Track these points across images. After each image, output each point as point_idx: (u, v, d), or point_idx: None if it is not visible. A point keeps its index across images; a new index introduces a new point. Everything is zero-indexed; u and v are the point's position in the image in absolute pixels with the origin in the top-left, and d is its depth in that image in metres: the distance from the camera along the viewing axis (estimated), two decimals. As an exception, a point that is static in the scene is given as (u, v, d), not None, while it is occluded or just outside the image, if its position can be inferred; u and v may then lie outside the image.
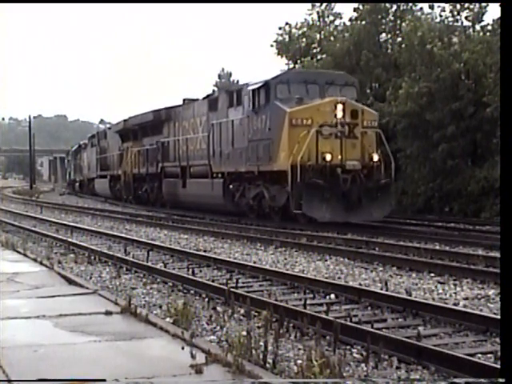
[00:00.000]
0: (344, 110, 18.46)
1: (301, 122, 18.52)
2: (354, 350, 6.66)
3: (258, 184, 20.49)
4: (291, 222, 18.93)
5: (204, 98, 25.56)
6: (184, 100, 27.68)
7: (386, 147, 19.28)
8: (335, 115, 18.40)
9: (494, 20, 24.76)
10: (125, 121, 34.06)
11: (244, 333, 6.11)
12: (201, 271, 11.69)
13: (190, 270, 11.55)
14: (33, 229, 19.82)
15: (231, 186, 22.02)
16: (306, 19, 34.33)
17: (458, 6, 25.92)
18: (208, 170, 23.44)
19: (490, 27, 25.05)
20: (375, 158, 18.83)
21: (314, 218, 18.05)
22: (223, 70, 54.70)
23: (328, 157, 18.09)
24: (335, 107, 18.42)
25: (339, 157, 18.36)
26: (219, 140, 22.43)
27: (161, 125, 28.65)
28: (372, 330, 7.01)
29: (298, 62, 32.46)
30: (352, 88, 20.45)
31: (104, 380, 3.73)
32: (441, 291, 9.73)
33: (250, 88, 20.41)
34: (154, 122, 29.12)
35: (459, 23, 26.40)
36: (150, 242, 15.89)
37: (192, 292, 9.80)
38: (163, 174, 28.13)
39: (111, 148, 38.30)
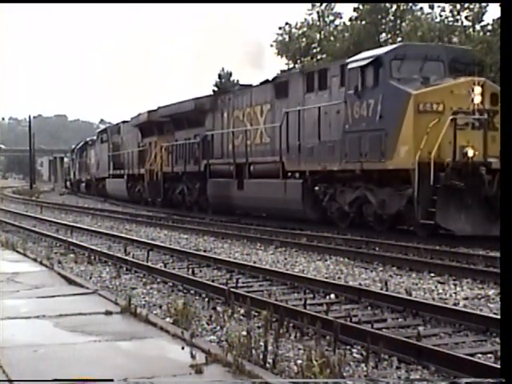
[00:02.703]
0: (483, 94, 14.73)
1: (430, 108, 14.73)
2: (354, 350, 6.65)
3: (358, 186, 16.64)
4: (402, 234, 15.50)
5: (264, 83, 21.63)
6: (234, 85, 24.39)
7: None
8: (472, 100, 14.67)
9: (494, 20, 24.83)
10: (149, 112, 29.56)
11: (244, 333, 6.11)
12: (201, 271, 11.68)
13: (190, 270, 11.55)
14: (33, 229, 19.82)
15: (316, 188, 18.09)
16: (305, 19, 34.40)
17: (458, 5, 25.97)
18: (279, 168, 19.45)
19: (490, 27, 25.11)
20: None
21: (451, 231, 14.42)
22: (223, 69, 54.65)
23: (470, 152, 14.44)
24: (472, 90, 14.64)
25: (477, 152, 14.65)
26: (297, 132, 18.60)
27: (202, 115, 24.62)
28: (372, 330, 7.01)
29: (298, 61, 32.50)
30: (480, 68, 17.06)
31: (111, 380, 3.73)
32: (441, 291, 9.73)
33: (351, 66, 16.47)
34: (194, 113, 24.92)
35: (459, 23, 26.44)
36: (150, 242, 15.89)
37: (192, 292, 9.80)
38: (208, 173, 23.96)
39: (127, 144, 34.70)
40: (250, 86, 23.13)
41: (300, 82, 18.89)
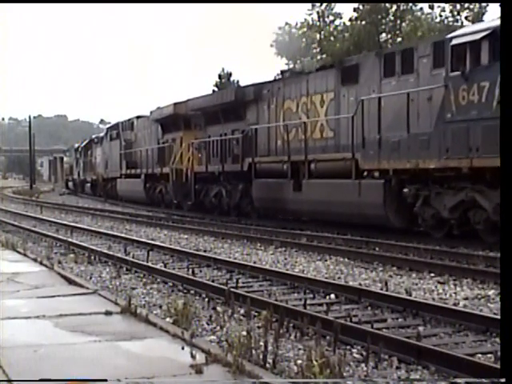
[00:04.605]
0: None
1: None
2: (354, 350, 6.65)
3: (463, 187, 14.08)
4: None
5: (323, 68, 19.39)
6: (283, 72, 21.13)
7: None
8: None
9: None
10: (175, 104, 26.69)
11: (244, 333, 6.11)
12: (201, 271, 11.69)
13: (190, 270, 11.55)
14: (33, 229, 19.83)
15: (405, 190, 15.31)
16: (305, 19, 34.40)
17: (458, 6, 25.98)
18: (350, 166, 16.67)
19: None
20: None
21: None
22: (223, 69, 54.64)
23: None
24: None
25: None
26: (376, 123, 15.96)
27: (243, 108, 22.08)
28: (372, 330, 7.01)
29: (298, 61, 32.50)
30: None
31: (105, 380, 3.73)
32: (441, 291, 9.73)
33: (456, 42, 13.88)
34: (233, 105, 22.34)
35: (459, 23, 26.44)
36: (150, 242, 15.90)
37: (192, 292, 9.80)
38: (254, 173, 21.09)
39: (143, 141, 32.08)
40: (304, 72, 20.53)
41: (375, 66, 16.38)
